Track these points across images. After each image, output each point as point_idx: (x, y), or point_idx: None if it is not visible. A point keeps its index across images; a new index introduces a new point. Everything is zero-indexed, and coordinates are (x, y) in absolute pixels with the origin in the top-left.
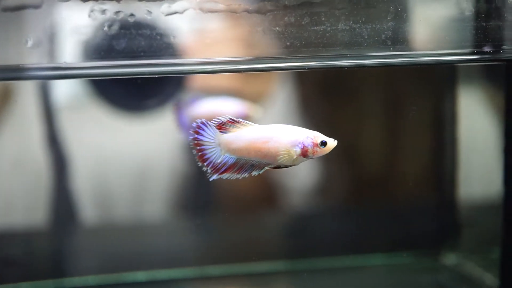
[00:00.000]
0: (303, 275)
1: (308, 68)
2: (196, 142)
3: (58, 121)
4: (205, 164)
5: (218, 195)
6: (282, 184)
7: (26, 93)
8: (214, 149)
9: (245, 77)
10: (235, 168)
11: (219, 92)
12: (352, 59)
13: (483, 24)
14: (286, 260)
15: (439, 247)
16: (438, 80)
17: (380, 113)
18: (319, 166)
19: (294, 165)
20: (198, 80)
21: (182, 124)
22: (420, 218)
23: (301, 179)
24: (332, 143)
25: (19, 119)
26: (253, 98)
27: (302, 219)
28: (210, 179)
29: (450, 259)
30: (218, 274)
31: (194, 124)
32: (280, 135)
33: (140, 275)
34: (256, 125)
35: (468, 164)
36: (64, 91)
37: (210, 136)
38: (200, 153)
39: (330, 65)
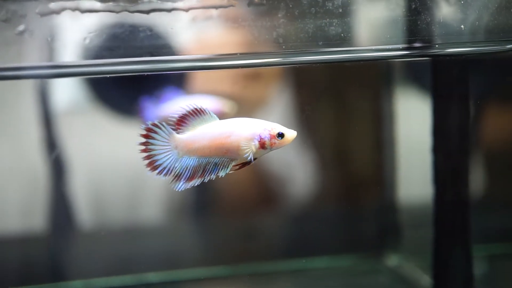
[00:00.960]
0: (246, 278)
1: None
2: (145, 147)
3: (56, 125)
4: (158, 172)
5: (214, 198)
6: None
7: (24, 96)
8: (169, 153)
9: (245, 80)
10: (200, 171)
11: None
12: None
13: (414, 21)
14: (229, 264)
15: (382, 248)
16: (375, 79)
17: (317, 112)
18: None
19: (255, 159)
20: (198, 82)
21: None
22: (363, 220)
23: (242, 185)
24: (290, 134)
25: (17, 123)
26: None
27: (245, 224)
28: (177, 189)
29: (392, 260)
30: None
31: (143, 127)
32: (240, 128)
33: (136, 278)
34: (215, 121)
35: (408, 165)
36: (62, 95)
37: (164, 139)
38: (150, 160)
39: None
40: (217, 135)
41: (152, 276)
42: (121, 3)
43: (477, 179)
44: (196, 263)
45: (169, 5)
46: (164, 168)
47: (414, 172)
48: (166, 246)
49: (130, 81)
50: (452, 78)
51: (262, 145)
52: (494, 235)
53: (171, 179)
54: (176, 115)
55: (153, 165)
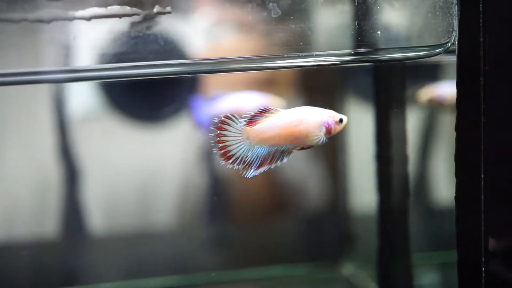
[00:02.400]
0: None
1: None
2: (219, 139)
3: (71, 131)
4: (231, 162)
5: (229, 206)
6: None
7: (39, 102)
8: (241, 144)
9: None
10: (269, 159)
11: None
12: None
13: (360, 27)
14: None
15: (338, 257)
16: (324, 86)
17: None
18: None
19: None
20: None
21: (201, 124)
22: (320, 228)
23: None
24: (345, 119)
25: (31, 129)
26: None
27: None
28: (248, 176)
29: (348, 269)
30: None
31: (216, 120)
32: (308, 116)
33: (148, 283)
34: (281, 111)
35: (359, 172)
36: (76, 101)
37: (236, 131)
38: (223, 151)
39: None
40: (286, 125)
41: (164, 281)
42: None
43: (418, 186)
44: (208, 268)
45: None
46: (237, 158)
47: (365, 180)
48: (178, 251)
49: (144, 85)
50: (390, 84)
51: (328, 131)
52: (436, 242)
53: (240, 168)
54: (248, 116)
55: (226, 155)
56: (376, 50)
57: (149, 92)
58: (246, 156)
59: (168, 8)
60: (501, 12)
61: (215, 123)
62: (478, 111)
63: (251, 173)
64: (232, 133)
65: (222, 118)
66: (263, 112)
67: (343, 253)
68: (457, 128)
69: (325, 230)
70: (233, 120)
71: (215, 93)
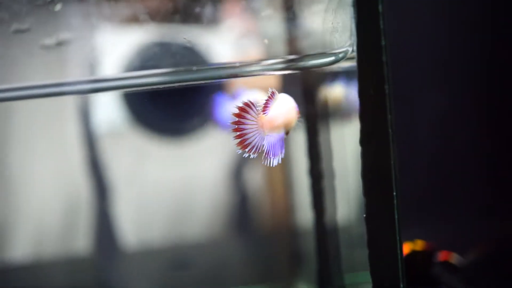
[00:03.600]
0: None
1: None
2: (237, 127)
3: (100, 146)
4: (248, 151)
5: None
6: None
7: (67, 117)
8: (257, 132)
9: None
10: (280, 146)
11: None
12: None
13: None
14: None
15: (293, 277)
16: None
17: None
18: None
19: None
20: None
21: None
22: (276, 248)
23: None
24: None
25: (59, 143)
26: None
27: None
28: (269, 165)
29: None
30: None
31: (238, 105)
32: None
33: None
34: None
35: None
36: (103, 116)
37: (253, 119)
38: (242, 139)
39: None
40: (289, 110)
41: None
42: None
43: (346, 203)
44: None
45: None
46: (253, 146)
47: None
48: (210, 265)
49: (167, 98)
50: (315, 94)
51: None
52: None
53: (261, 157)
54: (262, 103)
55: (243, 144)
56: (301, 57)
57: (172, 105)
58: (262, 145)
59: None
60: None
61: (235, 111)
62: (384, 123)
63: (269, 161)
64: (250, 121)
65: (242, 105)
66: (271, 98)
67: (297, 272)
68: (362, 142)
69: (279, 250)
70: (251, 108)
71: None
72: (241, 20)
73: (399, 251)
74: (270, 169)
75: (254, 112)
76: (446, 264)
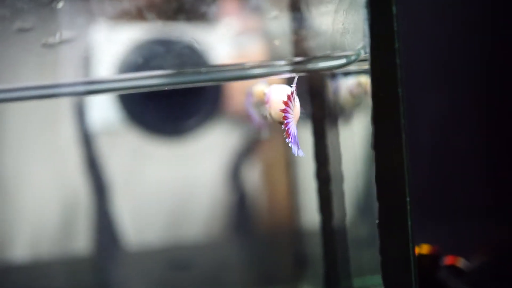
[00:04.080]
0: None
1: None
2: (285, 115)
3: (96, 145)
4: (290, 139)
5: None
6: None
7: (63, 117)
8: (293, 121)
9: None
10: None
11: None
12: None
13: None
14: None
15: (298, 280)
16: None
17: None
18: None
19: None
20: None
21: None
22: (279, 250)
23: None
24: None
25: (56, 144)
26: None
27: None
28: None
29: None
30: None
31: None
32: None
33: None
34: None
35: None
36: (99, 116)
37: (292, 110)
38: (287, 127)
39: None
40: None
41: None
42: None
43: (357, 206)
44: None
45: None
46: (293, 136)
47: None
48: (210, 267)
49: (162, 98)
50: (322, 97)
51: None
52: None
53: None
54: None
55: (288, 132)
56: (308, 59)
57: (168, 105)
58: (295, 135)
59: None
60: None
61: (285, 101)
62: (397, 127)
63: (299, 151)
64: (291, 109)
65: (289, 95)
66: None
67: (301, 275)
68: (375, 146)
69: (283, 252)
70: (290, 100)
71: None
72: (244, 20)
73: (412, 258)
74: (270, 169)
75: (292, 103)
76: (452, 267)
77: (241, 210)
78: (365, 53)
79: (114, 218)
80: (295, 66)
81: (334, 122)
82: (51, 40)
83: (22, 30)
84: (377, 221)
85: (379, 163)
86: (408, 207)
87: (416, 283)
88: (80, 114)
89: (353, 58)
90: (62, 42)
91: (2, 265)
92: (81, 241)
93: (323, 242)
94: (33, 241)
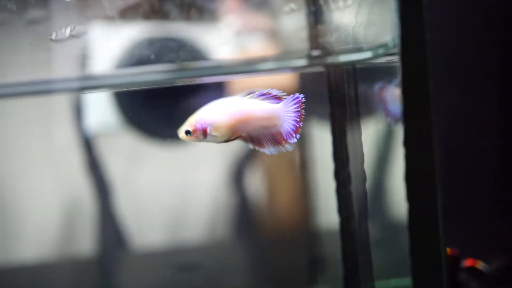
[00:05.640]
0: None
1: None
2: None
3: (97, 148)
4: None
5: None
6: None
7: (62, 119)
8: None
9: None
10: None
11: None
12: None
13: (314, 31)
14: None
15: (311, 281)
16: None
17: None
18: None
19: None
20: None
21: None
22: (292, 253)
23: None
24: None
25: (57, 147)
26: None
27: None
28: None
29: None
30: None
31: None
32: None
33: None
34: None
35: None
36: (99, 118)
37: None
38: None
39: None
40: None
41: None
42: None
43: (377, 207)
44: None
45: None
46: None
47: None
48: (210, 267)
49: (159, 100)
50: (342, 94)
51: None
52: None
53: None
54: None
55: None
56: (327, 53)
57: (165, 107)
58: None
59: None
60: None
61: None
62: (428, 124)
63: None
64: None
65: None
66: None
67: (315, 277)
68: (405, 144)
69: (297, 254)
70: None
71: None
72: (250, 17)
73: (443, 260)
74: (273, 172)
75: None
76: (472, 270)
77: (243, 213)
78: (393, 46)
79: (117, 219)
80: (313, 61)
81: (355, 120)
82: (59, 34)
83: (31, 23)
84: (407, 222)
85: (409, 162)
86: (439, 207)
87: (448, 286)
88: (79, 115)
89: (380, 51)
90: (69, 36)
91: (6, 268)
92: (85, 242)
93: (342, 243)
94: (36, 243)
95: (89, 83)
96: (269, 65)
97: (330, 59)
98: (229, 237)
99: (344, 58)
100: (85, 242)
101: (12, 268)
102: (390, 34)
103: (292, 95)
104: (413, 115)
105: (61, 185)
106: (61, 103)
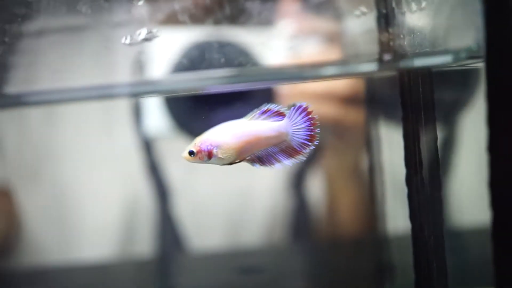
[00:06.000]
0: None
1: None
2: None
3: (156, 151)
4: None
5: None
6: None
7: (122, 122)
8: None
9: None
10: None
11: None
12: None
13: (385, 35)
14: None
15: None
16: (357, 100)
17: None
18: None
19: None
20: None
21: None
22: (359, 258)
23: None
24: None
25: (117, 149)
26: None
27: None
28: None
29: None
30: None
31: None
32: None
33: None
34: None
35: (396, 197)
36: (158, 121)
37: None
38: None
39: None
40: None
41: None
42: None
43: (453, 214)
44: None
45: None
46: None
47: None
48: (270, 270)
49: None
50: (417, 98)
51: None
52: (474, 277)
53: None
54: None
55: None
56: (400, 57)
57: (218, 112)
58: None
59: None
60: None
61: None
62: None
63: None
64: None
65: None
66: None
67: (379, 285)
68: (490, 149)
69: (363, 259)
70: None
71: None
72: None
73: None
74: (334, 177)
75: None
76: None
77: (303, 218)
78: (477, 49)
79: (176, 221)
80: (387, 65)
81: (430, 125)
82: (132, 38)
83: (104, 26)
84: (491, 230)
85: (495, 168)
86: None
87: None
88: (139, 119)
89: (462, 55)
90: (142, 40)
91: (68, 267)
92: (144, 244)
93: (414, 250)
94: (97, 243)
95: (149, 88)
96: (334, 70)
97: (404, 64)
98: (288, 241)
99: (420, 62)
100: (145, 244)
101: (73, 267)
102: (472, 37)
103: (293, 107)
104: (499, 120)
105: (122, 186)
106: (122, 106)
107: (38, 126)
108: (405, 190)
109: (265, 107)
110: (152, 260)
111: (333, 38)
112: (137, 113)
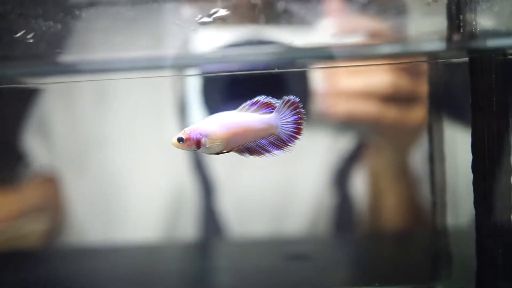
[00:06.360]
0: None
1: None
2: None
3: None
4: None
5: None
6: None
7: (170, 114)
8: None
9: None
10: None
11: None
12: None
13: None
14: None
15: (433, 278)
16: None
17: None
18: None
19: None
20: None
21: None
22: (413, 250)
23: None
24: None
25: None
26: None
27: None
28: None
29: None
30: None
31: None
32: None
33: None
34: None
35: (455, 190)
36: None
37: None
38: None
39: None
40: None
41: None
42: None
43: None
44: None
45: None
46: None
47: (465, 198)
48: (316, 259)
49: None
50: (489, 84)
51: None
52: None
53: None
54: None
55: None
56: (471, 40)
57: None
58: None
59: None
60: None
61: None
62: None
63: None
64: None
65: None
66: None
67: (439, 274)
68: None
69: (420, 250)
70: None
71: None
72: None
73: None
74: (379, 175)
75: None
76: None
77: (346, 210)
78: None
79: (220, 209)
80: (456, 44)
81: (502, 112)
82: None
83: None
84: None
85: None
86: None
87: None
88: (185, 111)
89: None
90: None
91: (114, 247)
92: (189, 231)
93: (478, 238)
94: (142, 228)
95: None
96: (399, 48)
97: (475, 44)
98: (332, 233)
99: (492, 43)
100: (189, 229)
101: (119, 247)
102: None
103: (283, 99)
104: None
105: (168, 175)
106: (170, 98)
107: (88, 114)
108: (466, 179)
109: (254, 98)
110: (195, 244)
111: (379, 34)
112: (182, 108)
